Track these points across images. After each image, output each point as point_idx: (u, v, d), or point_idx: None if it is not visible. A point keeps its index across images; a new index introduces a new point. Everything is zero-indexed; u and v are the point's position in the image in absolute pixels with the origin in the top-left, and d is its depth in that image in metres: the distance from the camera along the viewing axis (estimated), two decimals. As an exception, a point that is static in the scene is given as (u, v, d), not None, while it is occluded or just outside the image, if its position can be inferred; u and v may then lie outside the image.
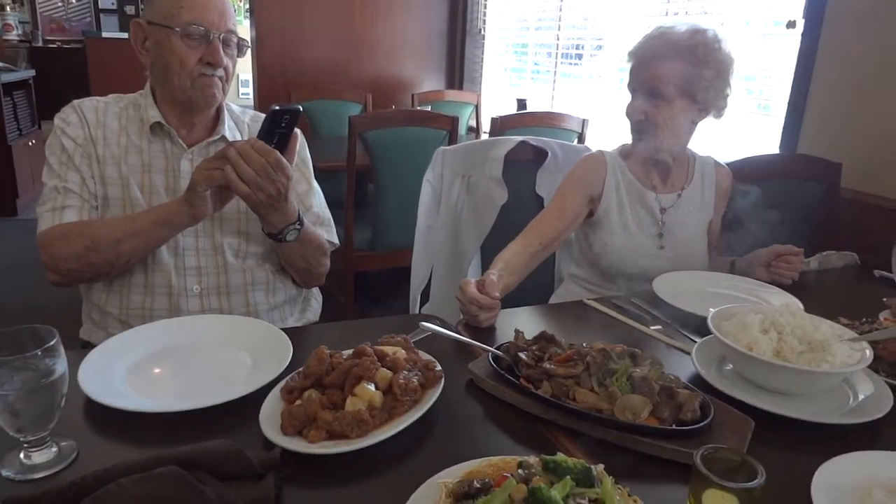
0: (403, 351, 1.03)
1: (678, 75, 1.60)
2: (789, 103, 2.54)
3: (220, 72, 1.40)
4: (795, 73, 2.50)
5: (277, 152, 1.23)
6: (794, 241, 1.72)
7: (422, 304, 2.11)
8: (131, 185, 1.41)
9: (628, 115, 1.68)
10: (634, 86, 1.67)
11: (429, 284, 2.09)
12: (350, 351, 1.01)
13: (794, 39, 2.53)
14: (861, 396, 1.08)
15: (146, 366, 1.10)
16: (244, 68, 5.18)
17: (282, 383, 0.99)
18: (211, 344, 1.17)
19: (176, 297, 1.41)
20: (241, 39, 1.44)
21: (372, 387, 0.93)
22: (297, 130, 1.31)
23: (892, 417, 1.02)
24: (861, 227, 2.22)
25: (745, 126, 2.96)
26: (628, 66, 1.68)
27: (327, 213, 1.61)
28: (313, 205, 1.57)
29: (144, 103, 1.45)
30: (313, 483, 0.84)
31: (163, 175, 1.44)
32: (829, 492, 0.83)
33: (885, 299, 1.54)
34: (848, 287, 1.82)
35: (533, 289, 1.85)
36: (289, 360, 1.07)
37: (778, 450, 0.96)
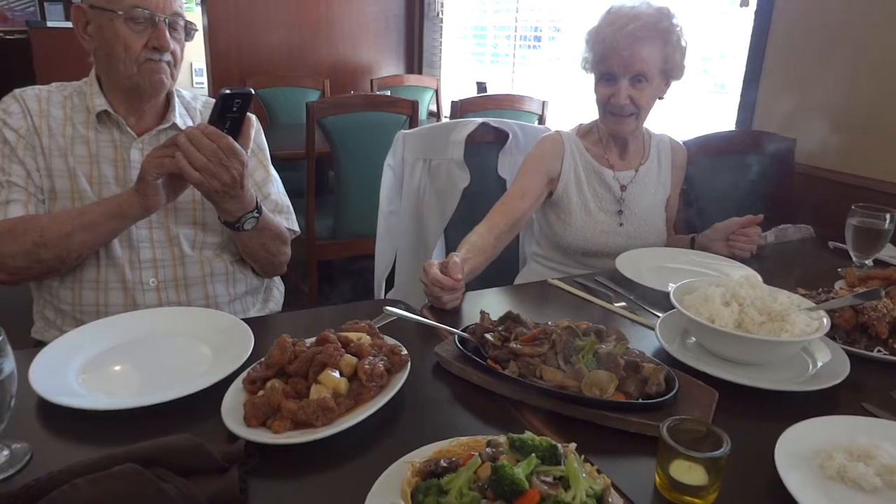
0: (368, 337, 1.01)
1: (659, 57, 1.63)
2: (744, 81, 2.57)
3: (168, 56, 1.35)
4: (749, 52, 2.54)
5: (230, 137, 1.19)
6: (752, 215, 1.75)
7: (387, 291, 2.09)
8: (79, 176, 1.35)
9: (612, 101, 1.66)
10: (614, 70, 1.63)
11: (394, 270, 2.07)
12: (313, 339, 0.99)
13: (748, 18, 2.56)
14: (820, 364, 1.11)
15: (102, 363, 1.06)
16: (198, 56, 5.05)
17: (244, 374, 0.96)
18: (169, 337, 1.14)
19: (131, 291, 1.36)
20: (188, 23, 1.39)
21: (336, 374, 0.91)
22: (252, 115, 1.27)
23: (850, 383, 1.04)
24: (815, 201, 2.26)
25: (702, 104, 3.00)
26: (596, 50, 1.65)
27: (286, 201, 1.58)
28: (271, 192, 1.53)
29: (90, 91, 1.39)
30: (280, 474, 0.82)
31: (112, 165, 1.39)
32: (791, 457, 0.84)
33: (840, 269, 1.58)
34: (804, 259, 1.86)
35: (498, 270, 1.85)
36: (250, 350, 1.05)
37: (742, 418, 0.97)
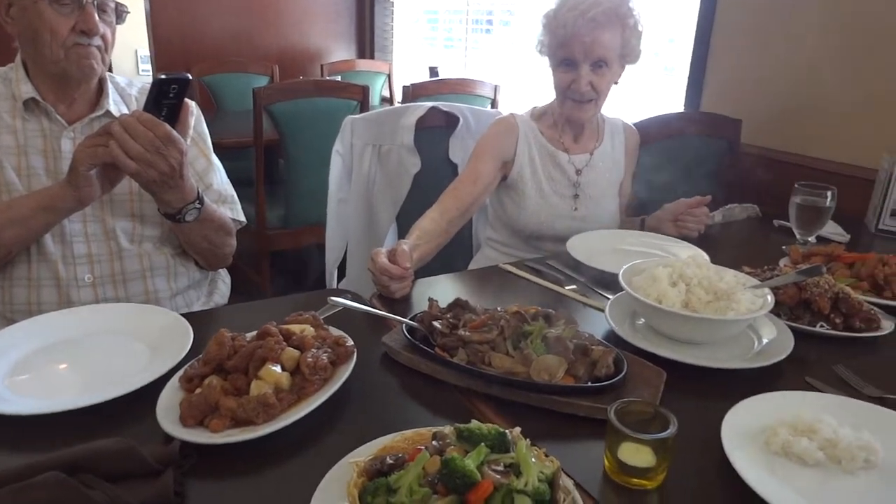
0: (312, 329, 0.98)
1: (619, 42, 1.62)
2: (691, 64, 2.60)
3: (97, 41, 1.28)
4: (696, 34, 2.56)
5: (167, 125, 1.14)
6: (700, 195, 1.77)
7: (340, 280, 2.05)
8: (5, 168, 1.28)
9: (573, 87, 1.63)
10: (575, 57, 1.61)
11: (346, 259, 2.03)
12: (254, 333, 0.95)
13: (695, 1, 2.58)
14: (765, 340, 1.12)
15: (32, 364, 1.01)
16: (142, 43, 4.86)
17: (180, 372, 0.92)
18: (104, 336, 1.09)
19: (65, 288, 1.30)
20: (118, 4, 1.32)
21: (278, 368, 0.88)
22: (191, 102, 1.22)
23: (794, 358, 1.06)
24: (761, 180, 2.31)
25: (652, 87, 3.02)
26: (556, 34, 1.62)
27: (230, 190, 1.52)
28: (213, 182, 1.48)
29: (16, 78, 1.31)
30: (219, 474, 0.79)
31: (41, 156, 1.31)
32: (737, 435, 0.85)
33: (784, 247, 1.61)
34: (750, 237, 1.90)
35: (452, 255, 1.83)
36: (188, 347, 1.01)
37: (690, 397, 0.98)
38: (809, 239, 1.66)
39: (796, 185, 1.64)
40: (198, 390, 0.87)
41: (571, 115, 1.71)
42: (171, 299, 1.41)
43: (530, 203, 1.73)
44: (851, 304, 1.20)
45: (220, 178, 1.51)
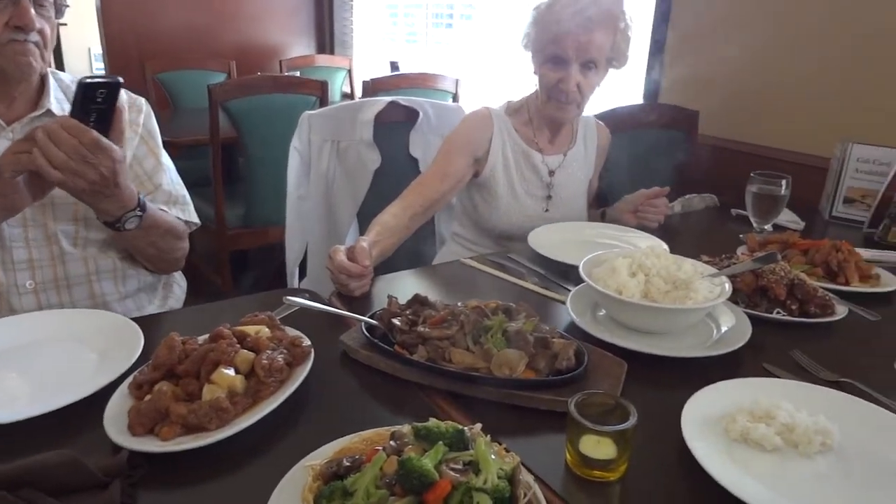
0: (267, 330, 0.96)
1: (609, 44, 1.59)
2: (649, 55, 2.62)
3: (35, 36, 1.22)
4: (653, 26, 2.58)
5: (94, 132, 1.06)
6: (659, 186, 1.78)
7: (301, 279, 2.02)
8: None
9: (559, 87, 1.59)
10: (567, 55, 1.56)
11: (307, 257, 2.00)
12: (207, 336, 0.92)
13: (651, -8, 2.60)
14: (724, 328, 1.13)
15: (-30, 375, 0.96)
16: (95, 41, 4.72)
17: (130, 378, 0.89)
18: (48, 343, 1.04)
19: (5, 295, 1.24)
20: None
21: (231, 371, 0.85)
22: (141, 98, 1.16)
23: (752, 345, 1.07)
24: (718, 170, 2.34)
25: (611, 79, 3.04)
26: (549, 29, 1.56)
27: (181, 191, 1.47)
28: (163, 182, 1.42)
29: None
30: (171, 484, 0.76)
31: None
32: (697, 423, 0.85)
33: (741, 235, 1.64)
34: (709, 227, 1.92)
35: (415, 251, 1.82)
36: (139, 352, 0.97)
37: (650, 387, 0.98)
38: (766, 227, 1.69)
39: (752, 175, 1.67)
40: (147, 397, 0.84)
41: (554, 115, 1.67)
42: (120, 302, 1.36)
43: (502, 203, 1.70)
44: (807, 291, 1.22)
45: (170, 177, 1.45)
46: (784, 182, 1.62)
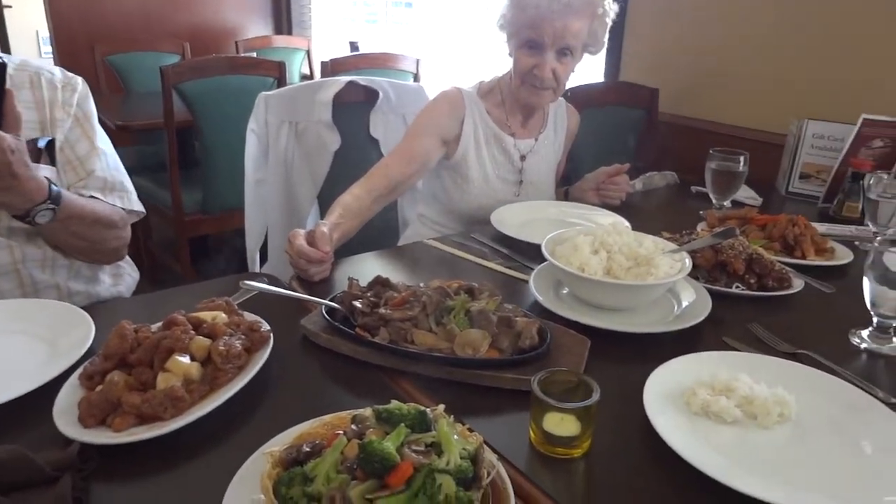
0: (224, 315, 0.93)
1: (586, 31, 1.56)
2: (609, 33, 2.61)
3: None
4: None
5: None
6: (619, 164, 1.79)
7: (263, 264, 1.98)
8: None
9: (535, 72, 1.56)
10: (543, 40, 1.53)
11: (268, 241, 1.96)
12: (160, 323, 0.90)
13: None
14: (684, 304, 1.15)
15: None
16: (42, 24, 4.53)
17: (80, 369, 0.85)
18: (-6, 335, 1.00)
19: None
20: None
21: (186, 358, 0.82)
22: (78, 77, 1.10)
23: (712, 319, 1.09)
24: (678, 148, 2.36)
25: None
26: (526, 13, 1.53)
27: (119, 177, 1.36)
28: (96, 168, 1.31)
29: None
30: (125, 476, 0.73)
31: None
32: (658, 397, 0.86)
33: (701, 212, 1.65)
34: (670, 204, 1.94)
35: (377, 233, 1.79)
36: (90, 342, 0.94)
37: (613, 363, 0.98)
38: (725, 203, 1.71)
39: (711, 152, 1.68)
40: (99, 388, 0.81)
41: (528, 100, 1.65)
42: (54, 290, 1.29)
43: (474, 187, 1.67)
44: (764, 265, 1.24)
45: (105, 163, 1.34)
46: (742, 159, 1.64)
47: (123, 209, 1.33)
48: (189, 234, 2.89)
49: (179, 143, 2.77)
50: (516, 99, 1.67)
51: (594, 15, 1.56)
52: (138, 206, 1.37)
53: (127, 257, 1.45)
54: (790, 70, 2.13)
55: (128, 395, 0.77)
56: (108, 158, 1.34)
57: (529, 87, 1.60)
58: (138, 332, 0.86)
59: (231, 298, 1.01)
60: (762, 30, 2.17)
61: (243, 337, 0.89)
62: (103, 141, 1.35)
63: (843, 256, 1.41)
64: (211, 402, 0.80)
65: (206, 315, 0.92)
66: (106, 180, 1.32)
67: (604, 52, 2.61)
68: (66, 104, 1.27)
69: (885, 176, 1.41)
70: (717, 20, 2.28)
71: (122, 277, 1.45)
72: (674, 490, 0.74)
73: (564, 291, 1.18)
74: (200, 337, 0.85)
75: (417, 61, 3.21)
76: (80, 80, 1.31)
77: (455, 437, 0.66)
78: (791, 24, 2.10)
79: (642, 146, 2.39)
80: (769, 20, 2.15)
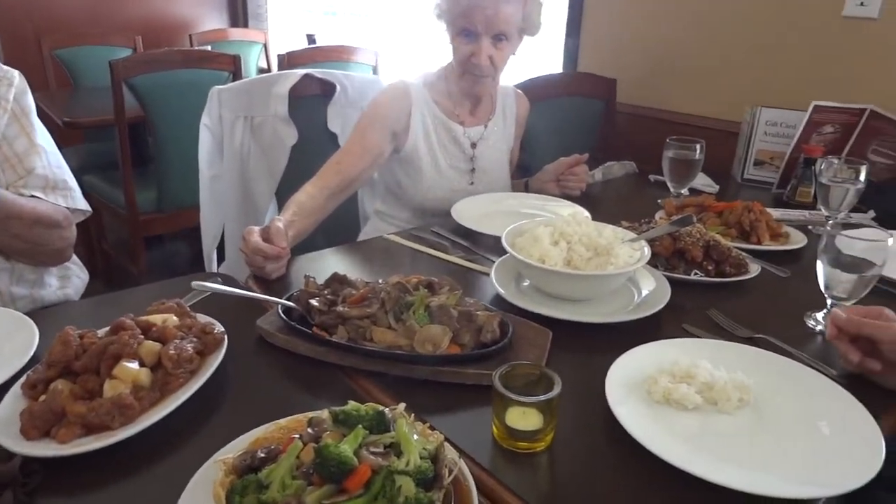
0: (176, 318, 0.90)
1: (520, 15, 1.56)
2: (567, 25, 2.63)
3: None
4: (570, -5, 2.58)
5: None
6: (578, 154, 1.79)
7: (221, 263, 1.93)
8: None
9: (472, 60, 1.56)
10: (477, 28, 1.53)
11: (224, 240, 1.91)
12: (108, 328, 0.86)
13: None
14: (645, 292, 1.15)
15: None
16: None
17: (22, 378, 0.81)
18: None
19: None
20: None
21: (135, 364, 0.79)
22: (14, 71, 1.04)
23: (672, 306, 1.09)
24: (636, 138, 2.38)
25: (531, 47, 3.04)
26: (459, 2, 1.52)
27: (62, 175, 1.30)
28: (36, 167, 1.25)
29: None
30: (72, 489, 0.70)
31: None
32: (621, 387, 0.86)
33: (659, 200, 1.67)
34: (629, 193, 1.95)
35: (337, 229, 1.76)
36: (33, 349, 0.90)
37: (576, 354, 0.98)
38: (682, 191, 1.72)
39: (668, 141, 1.69)
40: (42, 397, 0.77)
41: (470, 88, 1.65)
42: None
43: (426, 178, 1.66)
44: (721, 251, 1.25)
45: (46, 160, 1.28)
46: (698, 147, 1.66)
47: (67, 208, 1.28)
48: (144, 233, 2.81)
49: (132, 139, 2.69)
50: (460, 87, 1.67)
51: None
52: (83, 205, 1.32)
53: (75, 258, 1.40)
54: (744, 59, 2.16)
55: (73, 405, 0.74)
56: (48, 156, 1.28)
57: (469, 75, 1.61)
58: (83, 337, 0.83)
59: (183, 300, 0.97)
60: (716, 20, 2.20)
61: (195, 340, 0.86)
62: (43, 138, 1.29)
63: (798, 241, 1.43)
64: (162, 409, 0.77)
65: (157, 318, 0.89)
66: (47, 178, 1.26)
67: (562, 43, 2.64)
68: (1, 99, 1.21)
69: (836, 161, 1.44)
70: (673, 11, 2.30)
71: (69, 280, 1.39)
72: (637, 479, 0.74)
73: (526, 283, 1.18)
74: (150, 341, 0.82)
75: (376, 53, 3.17)
76: (16, 73, 1.25)
77: (415, 436, 0.65)
78: (744, 15, 2.13)
79: (601, 136, 2.41)
80: (723, 11, 2.18)
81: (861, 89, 1.92)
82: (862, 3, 1.89)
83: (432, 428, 0.69)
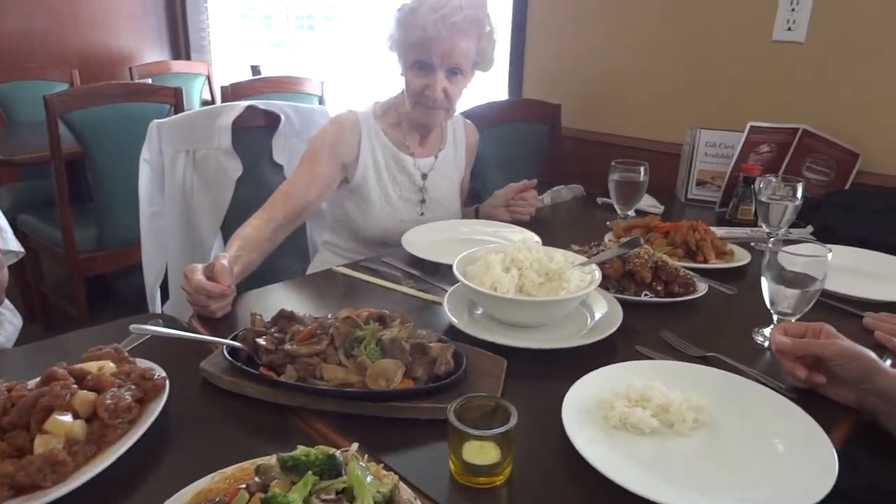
0: (113, 364, 0.85)
1: (474, 50, 1.57)
2: (511, 51, 2.67)
3: None
4: (513, 22, 2.63)
5: None
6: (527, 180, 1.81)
7: (165, 302, 1.86)
8: None
9: (426, 93, 1.56)
10: (432, 61, 1.53)
11: (168, 278, 1.85)
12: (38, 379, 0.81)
13: (507, -9, 2.65)
14: (597, 316, 1.15)
15: None
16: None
17: (-57, 439, 0.76)
18: None
19: None
20: None
21: (68, 417, 0.74)
22: None
23: (624, 329, 1.09)
24: (582, 161, 2.43)
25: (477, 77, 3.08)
26: (412, 33, 1.52)
27: None
28: None
29: None
30: (-1, 557, 0.65)
31: None
32: (577, 413, 0.85)
33: (608, 223, 1.69)
34: (577, 216, 1.98)
35: (285, 263, 1.73)
36: (-45, 405, 0.83)
37: (532, 382, 0.97)
38: (629, 213, 1.75)
39: (613, 164, 1.72)
40: (-36, 459, 0.71)
41: (421, 120, 1.64)
42: None
43: (376, 210, 1.65)
44: (670, 271, 1.27)
45: None
46: (642, 169, 1.69)
47: (3, 251, 1.22)
48: (85, 273, 2.70)
49: (71, 176, 2.60)
50: (411, 119, 1.66)
51: (481, 34, 1.58)
52: (15, 246, 1.26)
53: (7, 303, 1.33)
54: (682, 84, 2.23)
55: (0, 464, 0.69)
56: None
57: (422, 107, 1.61)
58: (11, 390, 0.77)
59: (122, 344, 0.93)
60: (654, 47, 2.27)
61: (134, 387, 0.82)
62: None
63: (742, 258, 1.47)
64: (99, 464, 0.72)
65: (92, 366, 0.84)
66: None
67: (507, 70, 2.68)
68: None
69: (774, 179, 1.49)
70: (612, 40, 2.37)
71: (1, 325, 1.32)
72: (597, 509, 0.73)
73: (479, 312, 1.17)
74: (84, 391, 0.78)
75: (322, 84, 3.16)
76: None
77: (369, 479, 0.62)
78: (680, 41, 2.21)
79: (548, 161, 2.44)
80: (661, 37, 2.25)
81: (793, 110, 2.00)
82: (790, 29, 1.98)
83: (387, 468, 0.66)
